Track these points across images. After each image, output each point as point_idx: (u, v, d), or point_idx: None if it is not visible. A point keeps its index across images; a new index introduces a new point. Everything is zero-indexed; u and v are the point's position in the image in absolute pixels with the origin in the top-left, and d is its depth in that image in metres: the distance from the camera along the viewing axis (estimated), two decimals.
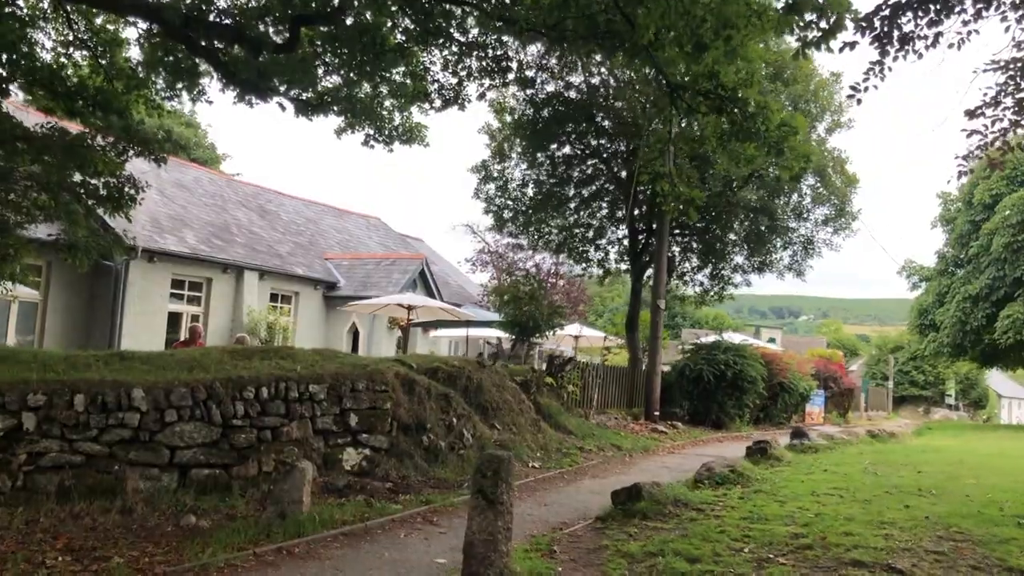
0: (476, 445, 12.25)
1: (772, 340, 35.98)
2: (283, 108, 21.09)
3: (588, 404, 17.41)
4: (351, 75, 20.73)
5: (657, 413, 20.34)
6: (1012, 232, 30.12)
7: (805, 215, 22.52)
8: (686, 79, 11.21)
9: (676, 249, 25.29)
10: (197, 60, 20.04)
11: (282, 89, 20.88)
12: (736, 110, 11.32)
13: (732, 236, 24.10)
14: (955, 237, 35.19)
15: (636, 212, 23.50)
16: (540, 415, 14.24)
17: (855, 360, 77.66)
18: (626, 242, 25.57)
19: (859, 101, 10.94)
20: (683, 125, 12.92)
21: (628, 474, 12.83)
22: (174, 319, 26.39)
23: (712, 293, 25.19)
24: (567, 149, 24.10)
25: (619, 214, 25.17)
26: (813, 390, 27.53)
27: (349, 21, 19.05)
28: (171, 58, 19.95)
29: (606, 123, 23.10)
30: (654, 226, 22.47)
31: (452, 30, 20.13)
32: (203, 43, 18.59)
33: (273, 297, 30.27)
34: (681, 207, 12.78)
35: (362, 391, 11.60)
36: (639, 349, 23.10)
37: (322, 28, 19.24)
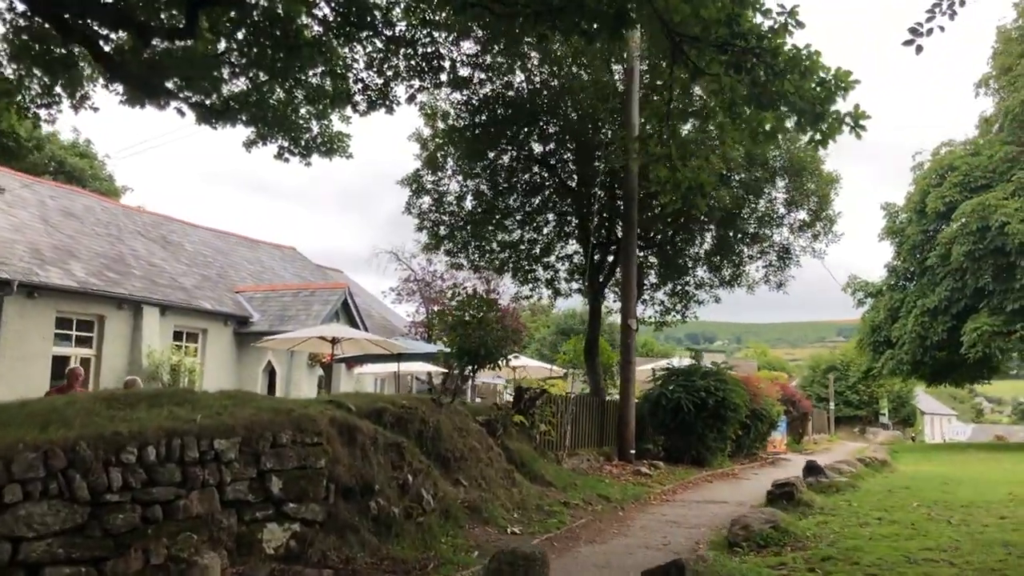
0: (439, 508, 9.38)
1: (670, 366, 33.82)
2: (182, 114, 18.14)
3: (560, 445, 14.60)
4: (261, 76, 17.96)
5: (633, 451, 17.68)
6: (973, 240, 28.75)
7: (777, 221, 20.35)
8: (696, 31, 8.76)
9: None
10: (74, 50, 16.94)
11: (181, 93, 18.07)
12: (761, 65, 8.87)
13: (696, 248, 21.79)
14: (907, 249, 33.76)
15: (594, 221, 21.02)
16: (512, 464, 11.40)
17: (789, 383, 76.89)
18: (577, 258, 22.98)
19: (919, 49, 8.61)
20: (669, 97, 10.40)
21: (630, 534, 10.11)
22: (60, 364, 22.67)
23: (674, 313, 22.80)
24: (508, 157, 21.52)
25: (568, 228, 22.62)
26: (780, 416, 25.40)
27: (258, 6, 16.33)
28: (40, 47, 16.72)
29: (550, 128, 20.63)
30: (615, 235, 19.97)
31: (377, 22, 17.63)
32: (78, 23, 15.51)
33: (177, 335, 27.00)
34: (683, 198, 10.28)
35: (287, 445, 8.65)
36: (601, 378, 20.47)
37: (227, 22, 16.50)
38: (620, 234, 19.97)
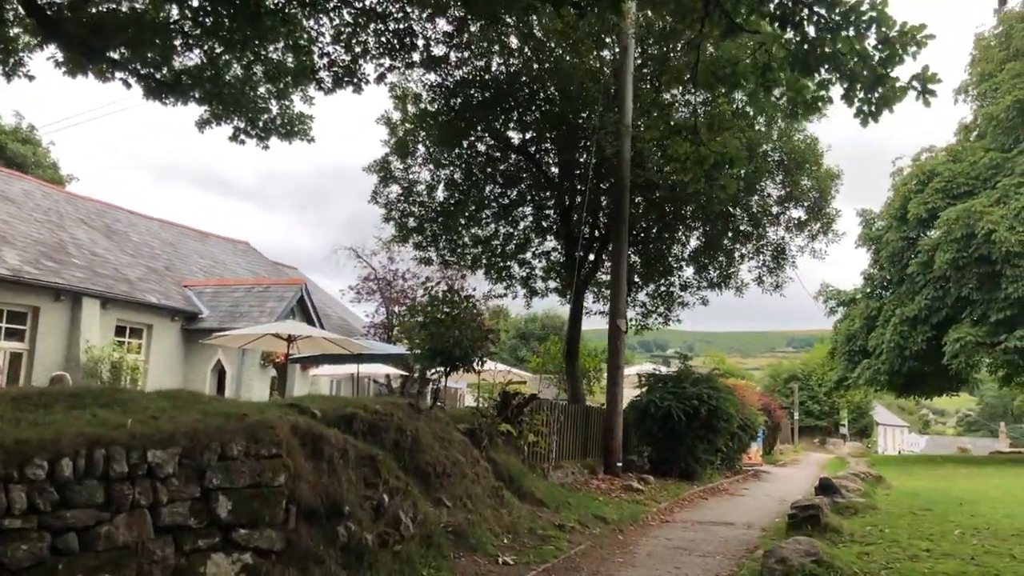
0: (420, 534, 7.86)
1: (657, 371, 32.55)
2: (127, 85, 16.49)
3: (546, 457, 13.05)
4: (217, 48, 16.39)
5: (620, 464, 16.23)
6: (957, 248, 27.87)
7: (771, 218, 19.04)
8: None
9: (609, 263, 21.41)
10: (4, 6, 15.26)
11: (128, 65, 16.47)
12: (814, 18, 7.51)
13: (682, 247, 20.43)
14: (886, 256, 32.86)
15: (582, 213, 19.57)
16: (500, 480, 9.87)
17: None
18: (555, 255, 21.48)
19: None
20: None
21: (638, 564, 8.66)
22: None
23: (657, 315, 21.43)
24: (483, 145, 20.00)
25: (546, 223, 21.12)
26: (760, 426, 24.21)
27: None
28: None
29: (530, 115, 19.17)
30: (598, 231, 18.55)
31: None
32: None
33: (120, 330, 25.15)
34: (706, 176, 8.91)
35: (238, 458, 7.10)
36: (580, 383, 19.00)
37: None
38: (603, 229, 18.58)
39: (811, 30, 7.69)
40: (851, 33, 7.61)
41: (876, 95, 7.82)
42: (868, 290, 35.94)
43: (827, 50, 7.69)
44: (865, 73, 7.58)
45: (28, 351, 22.40)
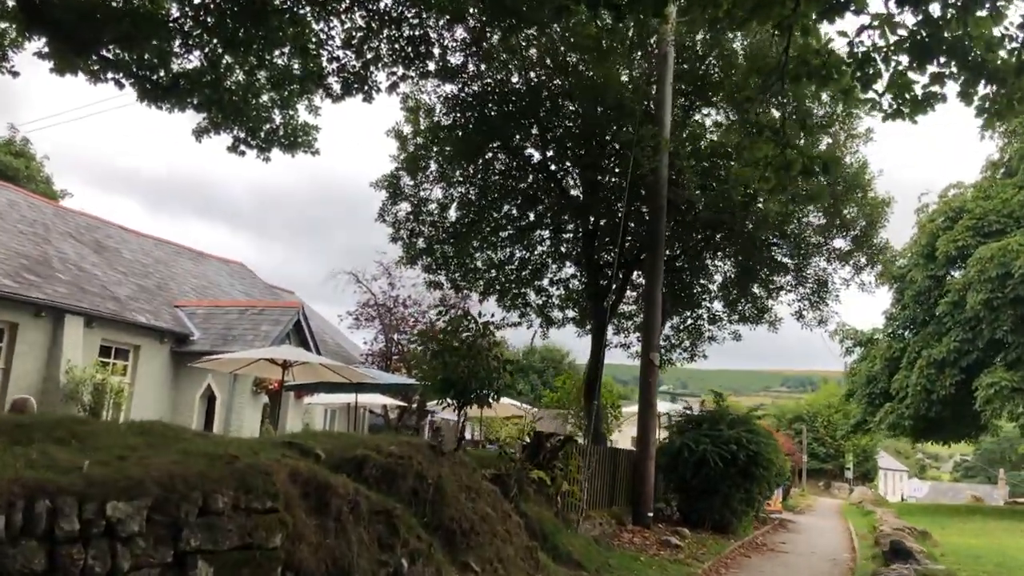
0: None
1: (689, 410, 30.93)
2: (120, 86, 15.25)
3: (577, 507, 11.41)
4: (219, 51, 15.22)
5: (651, 515, 14.67)
6: (991, 288, 26.53)
7: (812, 249, 17.59)
8: None
9: (632, 294, 20.01)
10: None
11: (121, 62, 15.29)
12: None
13: (714, 277, 19.02)
14: (912, 295, 31.54)
15: (599, 240, 18.13)
16: (533, 537, 8.37)
17: None
18: (575, 283, 20.04)
19: None
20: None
21: None
22: None
23: (681, 350, 19.98)
24: (500, 163, 18.67)
25: (565, 247, 19.71)
26: (788, 472, 22.64)
27: None
28: None
29: (549, 133, 17.85)
30: (626, 256, 17.09)
31: None
32: None
33: (105, 351, 23.63)
34: (780, 187, 7.51)
35: (224, 512, 5.62)
36: (600, 422, 17.47)
37: None
38: (627, 256, 17.12)
39: (935, 8, 6.39)
40: (984, 14, 6.30)
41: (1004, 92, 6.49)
42: (890, 330, 34.58)
43: (952, 35, 6.38)
44: (999, 64, 6.26)
45: (3, 370, 20.91)
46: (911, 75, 7.18)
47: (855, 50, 7.28)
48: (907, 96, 7.12)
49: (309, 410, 29.85)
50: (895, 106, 7.19)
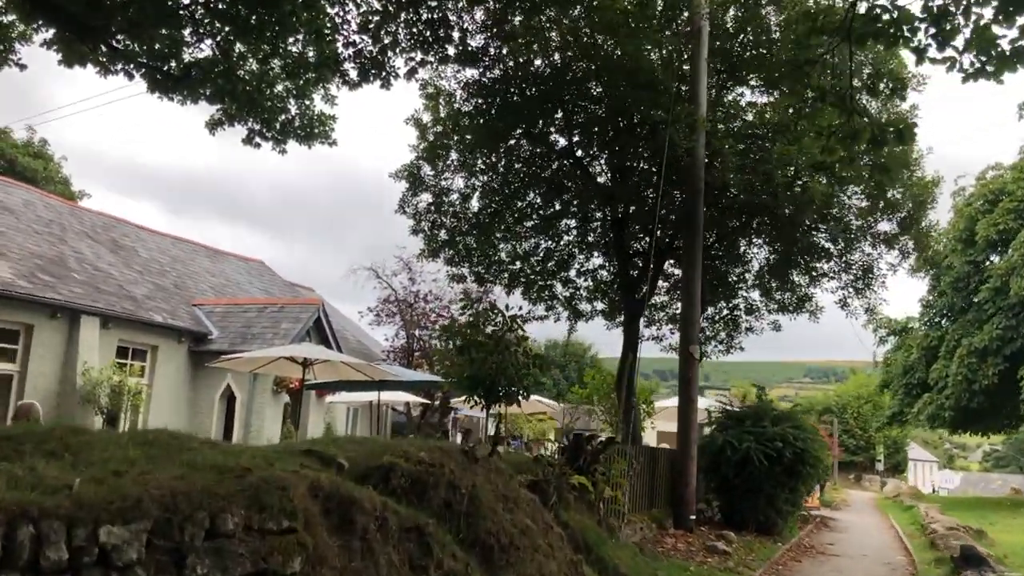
0: None
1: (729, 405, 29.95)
2: (130, 77, 14.68)
3: (617, 510, 10.62)
4: (231, 38, 14.65)
5: (693, 518, 13.90)
6: None
7: (855, 233, 16.67)
8: None
9: (664, 284, 19.21)
10: None
11: (131, 53, 14.78)
12: None
13: (750, 264, 18.14)
14: (950, 281, 30.46)
15: (629, 228, 17.29)
16: (576, 550, 7.63)
17: None
18: (604, 273, 19.24)
19: None
20: None
21: None
22: None
23: (717, 342, 19.15)
24: (524, 150, 17.91)
25: (593, 236, 18.93)
26: (830, 468, 21.75)
27: None
28: None
29: (575, 117, 17.07)
30: (658, 243, 16.26)
31: None
32: None
33: (122, 351, 23.10)
34: (855, 156, 6.74)
35: (235, 535, 4.94)
36: (637, 420, 16.69)
37: None
38: (658, 244, 16.27)
39: None
40: None
41: None
42: (927, 319, 33.50)
43: None
44: None
45: (19, 372, 20.42)
46: (996, 29, 6.40)
47: (930, 3, 6.52)
48: (992, 53, 6.33)
49: (331, 409, 29.27)
50: (977, 64, 6.41)
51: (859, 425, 61.76)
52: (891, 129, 6.51)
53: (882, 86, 6.01)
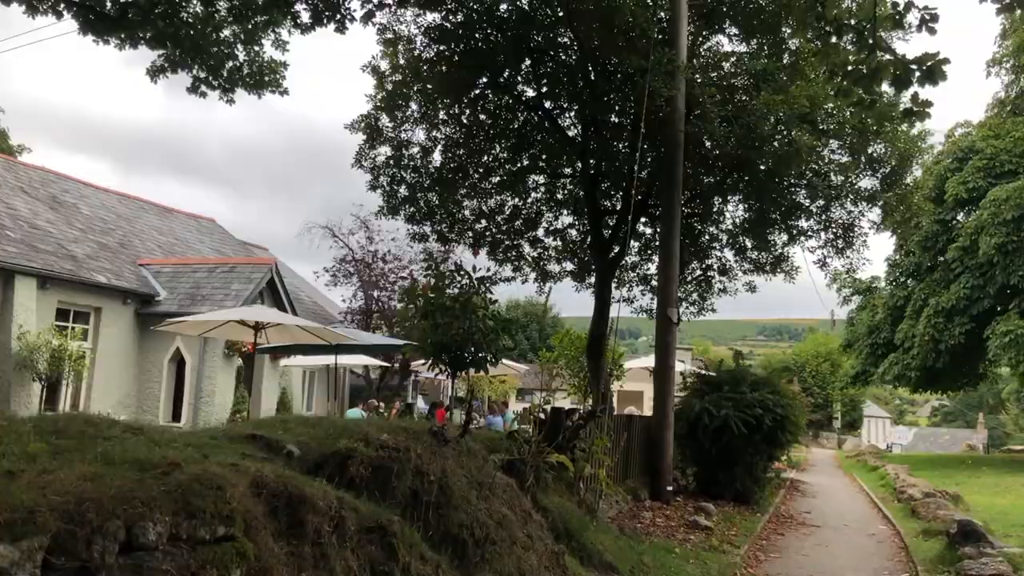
0: None
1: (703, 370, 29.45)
2: (59, 15, 13.48)
3: (591, 484, 9.78)
4: None
5: (670, 488, 13.26)
6: (1006, 231, 25.13)
7: (834, 191, 15.88)
8: None
9: (636, 244, 18.39)
10: None
11: None
12: None
13: (724, 223, 17.40)
14: (917, 240, 30.11)
15: (599, 184, 16.38)
16: (557, 538, 6.85)
17: None
18: (573, 232, 18.38)
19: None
20: None
21: None
22: None
23: (688, 304, 18.42)
24: (489, 101, 16.90)
25: (561, 194, 18.05)
26: (803, 430, 21.25)
27: None
28: None
29: (542, 67, 16.10)
30: (630, 201, 15.38)
31: None
32: None
33: (63, 314, 21.92)
34: (874, 99, 5.95)
35: (157, 547, 4.04)
36: (609, 386, 15.98)
37: None
38: (632, 196, 15.38)
39: None
40: None
41: None
42: (893, 278, 33.25)
43: None
44: None
45: None
46: None
47: None
48: None
49: (286, 372, 28.34)
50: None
51: (817, 384, 62.24)
52: (917, 66, 5.70)
53: (910, 17, 5.28)
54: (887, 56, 5.86)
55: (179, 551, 4.10)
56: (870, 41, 5.94)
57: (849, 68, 6.04)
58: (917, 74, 5.80)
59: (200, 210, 37.98)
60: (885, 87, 6.07)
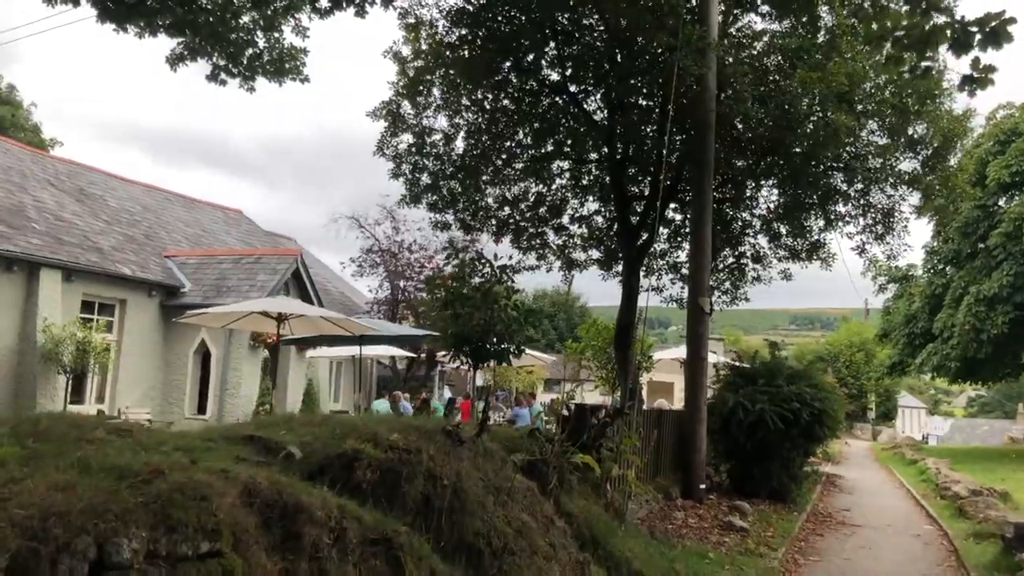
0: None
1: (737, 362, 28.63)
2: (75, 3, 13.18)
3: (619, 485, 9.27)
4: None
5: (703, 487, 12.75)
6: None
7: (873, 175, 15.17)
8: None
9: (665, 231, 17.83)
10: None
11: None
12: None
13: (758, 207, 16.77)
14: (957, 226, 29.13)
15: (627, 169, 15.83)
16: (582, 545, 6.38)
17: None
18: (599, 219, 17.85)
19: None
20: None
21: None
22: None
23: (720, 292, 17.83)
24: (512, 86, 16.42)
25: (587, 180, 17.52)
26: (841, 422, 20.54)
27: None
28: None
29: (567, 49, 15.59)
30: (659, 185, 14.84)
31: None
32: None
33: (88, 306, 21.86)
34: (927, 67, 5.42)
35: (132, 565, 3.61)
36: (637, 379, 15.47)
37: None
38: (661, 180, 14.81)
39: None
40: None
41: None
42: (931, 265, 32.29)
43: None
44: None
45: None
46: None
47: None
48: None
49: (313, 363, 28.09)
50: None
51: (851, 374, 61.07)
52: (979, 28, 5.16)
53: None
54: (943, 17, 5.31)
55: (157, 569, 3.71)
56: (923, 4, 5.40)
57: (900, 32, 5.49)
58: (978, 36, 5.26)
59: (235, 202, 37.96)
60: (942, 52, 5.49)
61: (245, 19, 14.24)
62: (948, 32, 5.28)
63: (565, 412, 8.48)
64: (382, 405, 24.45)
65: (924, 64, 5.54)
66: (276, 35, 14.72)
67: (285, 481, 4.52)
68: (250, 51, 14.51)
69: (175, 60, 14.22)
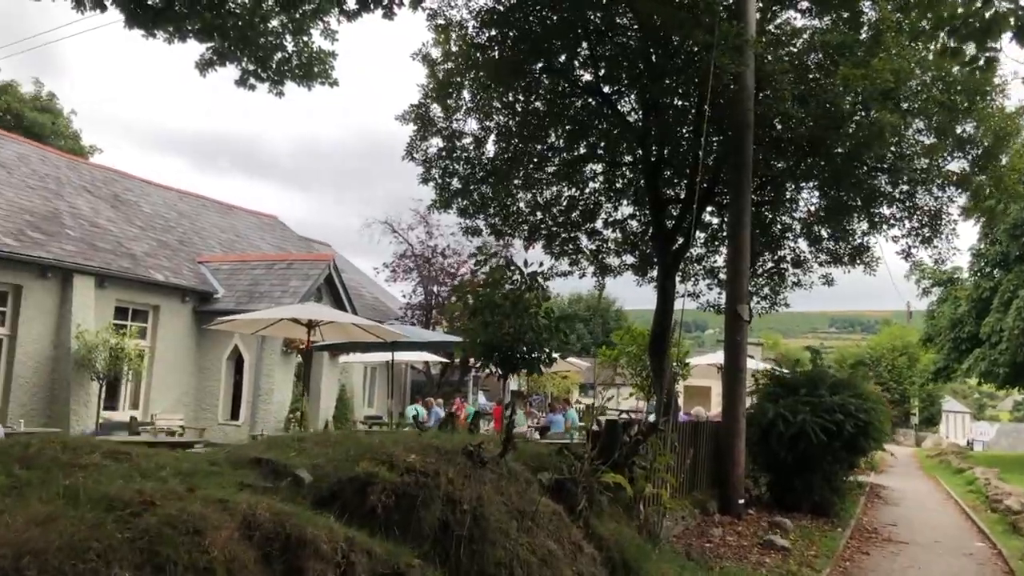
0: None
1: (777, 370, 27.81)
2: (103, 8, 13.09)
3: (653, 504, 8.82)
4: None
5: (742, 502, 12.29)
6: None
7: (920, 176, 14.56)
8: None
9: (701, 235, 17.35)
10: None
11: None
12: None
13: (797, 210, 16.23)
14: (1005, 228, 28.24)
15: (662, 172, 15.41)
16: (612, 571, 6.02)
17: None
18: (634, 223, 17.42)
19: None
20: None
21: None
22: None
23: (759, 298, 17.31)
24: (543, 88, 16.07)
25: (621, 183, 17.11)
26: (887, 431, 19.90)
27: None
28: None
29: (599, 49, 15.21)
30: (695, 188, 14.35)
31: None
32: None
33: (121, 312, 21.92)
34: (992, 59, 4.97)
35: None
36: (673, 387, 15.02)
37: None
38: (698, 183, 14.35)
39: None
40: None
41: None
42: (977, 268, 31.37)
43: None
44: None
45: (9, 336, 19.39)
46: None
47: None
48: None
49: (346, 368, 27.97)
50: None
51: (893, 378, 59.85)
52: None
53: None
54: (1006, 4, 4.86)
55: None
56: None
57: (958, 22, 5.05)
58: None
59: (272, 208, 38.08)
60: (1006, 41, 5.03)
61: (274, 23, 14.09)
62: (1012, 20, 4.83)
63: (595, 427, 8.08)
64: (415, 411, 24.26)
65: (986, 55, 5.09)
66: (304, 39, 14.56)
67: (289, 511, 4.20)
68: (279, 55, 14.35)
69: (204, 66, 14.09)
